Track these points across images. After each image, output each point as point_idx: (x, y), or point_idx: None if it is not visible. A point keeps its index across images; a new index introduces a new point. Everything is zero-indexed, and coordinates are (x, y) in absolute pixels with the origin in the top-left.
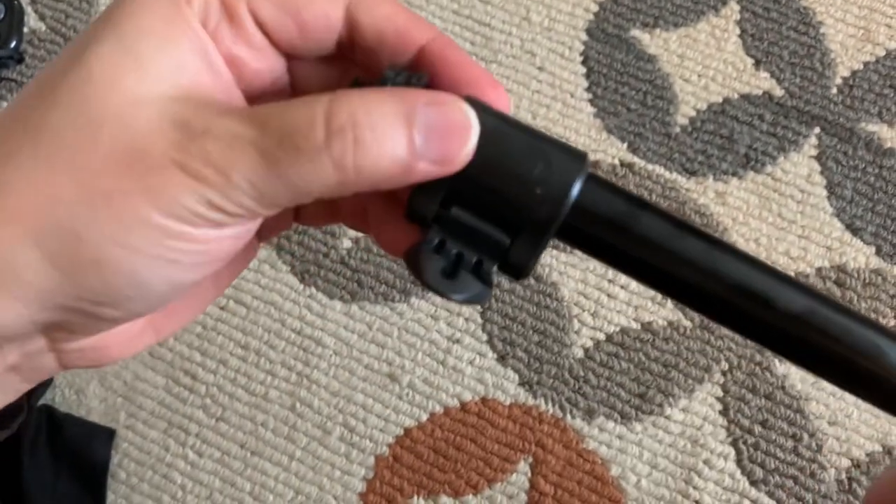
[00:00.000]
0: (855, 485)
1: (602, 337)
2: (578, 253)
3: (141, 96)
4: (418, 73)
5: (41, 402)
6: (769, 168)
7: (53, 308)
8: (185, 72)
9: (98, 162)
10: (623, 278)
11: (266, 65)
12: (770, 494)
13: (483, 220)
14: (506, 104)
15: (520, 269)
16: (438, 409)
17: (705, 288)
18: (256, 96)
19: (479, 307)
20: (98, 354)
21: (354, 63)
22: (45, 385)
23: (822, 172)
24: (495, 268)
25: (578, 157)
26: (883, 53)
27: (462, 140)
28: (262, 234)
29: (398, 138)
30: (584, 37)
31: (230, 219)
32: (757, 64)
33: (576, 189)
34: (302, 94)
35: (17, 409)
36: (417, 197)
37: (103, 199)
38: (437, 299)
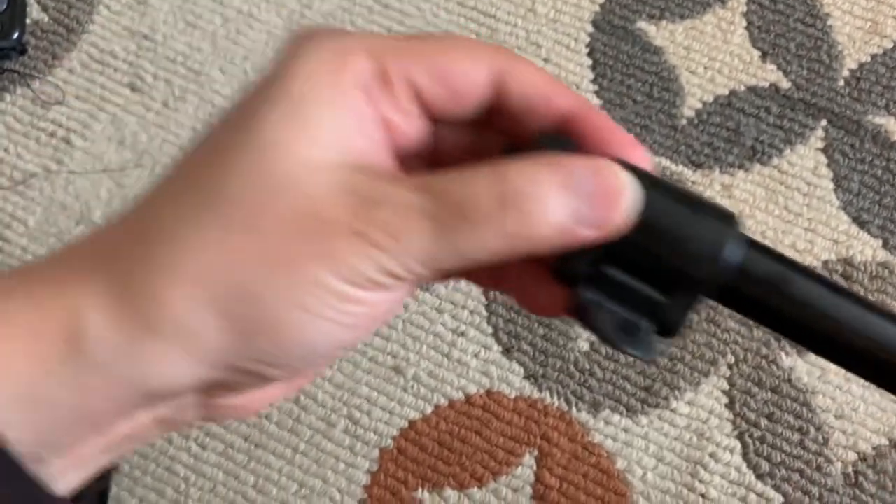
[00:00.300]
0: (861, 478)
1: None
2: None
3: (314, 162)
4: (567, 138)
5: None
6: (776, 160)
7: (223, 368)
8: (351, 138)
9: (276, 227)
10: None
11: (415, 128)
12: (776, 488)
13: (636, 279)
14: (647, 166)
15: (672, 327)
16: (443, 401)
17: (858, 348)
18: (404, 158)
19: (483, 299)
20: (243, 410)
21: (492, 127)
22: None
23: (828, 165)
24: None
25: (730, 218)
26: (891, 46)
27: (620, 204)
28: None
29: (560, 207)
30: (589, 28)
31: (398, 283)
32: (764, 56)
33: (730, 250)
34: (446, 157)
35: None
36: (570, 258)
37: (283, 263)
38: (442, 291)
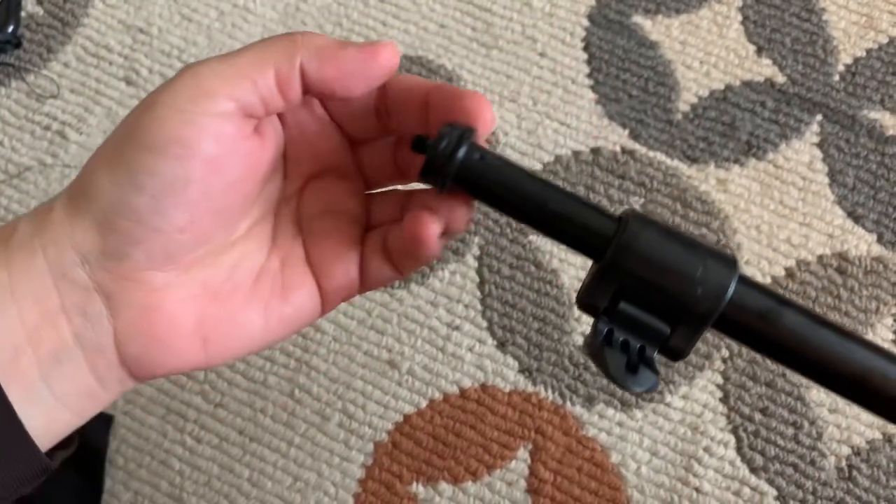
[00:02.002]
0: (855, 472)
1: None
2: None
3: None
4: (469, 126)
5: None
6: (771, 155)
7: (112, 222)
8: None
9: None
10: None
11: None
12: (770, 482)
13: (647, 313)
14: (487, 116)
15: (678, 353)
16: (438, 395)
17: (839, 372)
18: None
19: (478, 293)
20: (148, 326)
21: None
22: None
23: (823, 160)
24: (657, 353)
25: (730, 260)
26: (886, 41)
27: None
28: (327, 298)
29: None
30: (585, 23)
31: (246, 120)
32: (759, 51)
33: (731, 290)
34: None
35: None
36: (589, 291)
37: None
38: (437, 286)
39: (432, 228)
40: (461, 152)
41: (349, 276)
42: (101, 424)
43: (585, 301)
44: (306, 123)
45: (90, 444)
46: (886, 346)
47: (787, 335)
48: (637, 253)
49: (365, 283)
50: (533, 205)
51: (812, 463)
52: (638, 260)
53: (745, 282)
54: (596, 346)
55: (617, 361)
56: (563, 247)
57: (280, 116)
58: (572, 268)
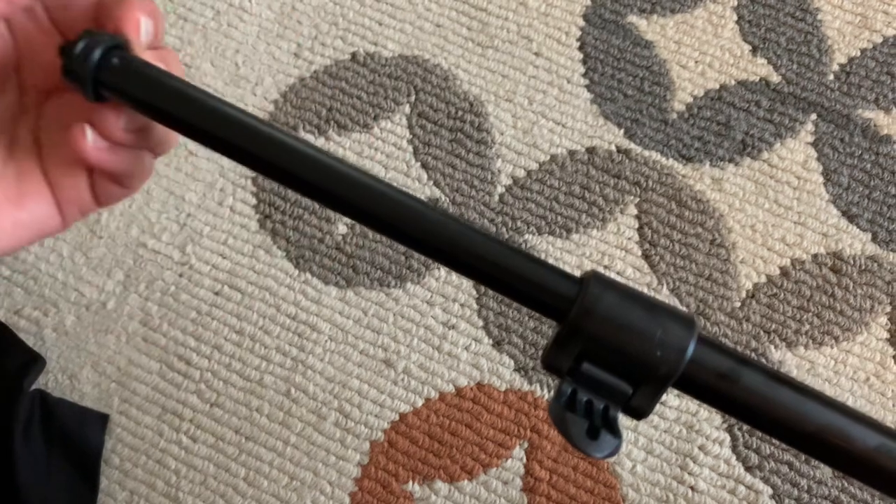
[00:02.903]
0: None
1: None
2: (575, 238)
3: None
4: (115, 34)
5: (34, 387)
6: (766, 154)
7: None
8: None
9: None
10: (619, 264)
11: None
12: (765, 480)
13: (610, 374)
14: (133, 19)
15: (641, 412)
16: (434, 394)
17: (799, 430)
18: None
19: (474, 292)
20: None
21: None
22: (39, 369)
23: (818, 159)
24: (620, 413)
25: (690, 322)
26: (880, 40)
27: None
28: (64, 210)
29: None
30: (581, 22)
31: None
32: (754, 50)
33: (690, 350)
34: None
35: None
36: (553, 353)
37: None
38: (433, 285)
39: (82, 138)
40: (94, 55)
41: (79, 189)
42: (96, 424)
43: (549, 363)
44: (34, 35)
45: (85, 443)
46: (881, 345)
47: (746, 394)
48: (599, 316)
49: (98, 199)
50: (196, 117)
51: (807, 461)
52: (600, 323)
53: (705, 342)
54: (559, 409)
55: (578, 428)
56: (558, 247)
57: (9, 28)
58: (567, 267)
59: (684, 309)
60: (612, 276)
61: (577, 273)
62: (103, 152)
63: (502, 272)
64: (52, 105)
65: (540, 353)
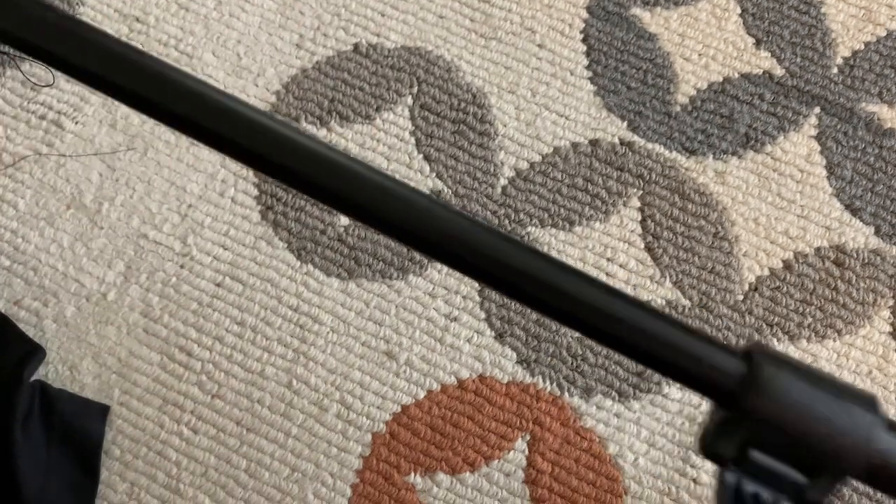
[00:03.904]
0: None
1: None
2: (578, 231)
3: None
4: None
5: (34, 377)
6: (769, 147)
7: None
8: None
9: None
10: (622, 256)
11: None
12: None
13: (783, 463)
14: None
15: None
16: (436, 386)
17: None
18: None
19: (476, 284)
20: None
21: None
22: (39, 360)
23: (821, 152)
24: None
25: (872, 403)
26: (884, 34)
27: None
28: None
29: None
30: (584, 14)
31: None
32: (757, 43)
33: (879, 439)
34: None
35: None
36: (716, 440)
37: None
38: (436, 277)
39: None
40: None
41: None
42: (96, 415)
43: (712, 451)
44: None
45: (85, 434)
46: (884, 338)
47: None
48: (774, 400)
49: None
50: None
51: None
52: (775, 408)
53: (891, 426)
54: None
55: None
56: (561, 239)
57: None
58: (570, 259)
59: (861, 387)
60: (615, 269)
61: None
62: None
63: (653, 346)
64: None
65: (542, 345)
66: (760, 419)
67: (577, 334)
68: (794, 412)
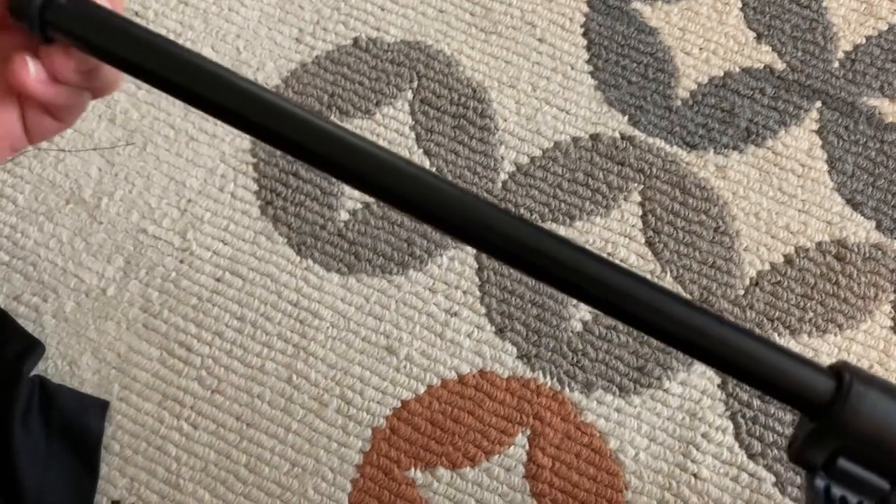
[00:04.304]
0: None
1: None
2: (578, 226)
3: None
4: None
5: (33, 373)
6: (770, 142)
7: None
8: None
9: None
10: (623, 251)
11: None
12: (768, 468)
13: (869, 471)
14: None
15: None
16: (436, 381)
17: None
18: None
19: (476, 280)
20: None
21: None
22: (38, 356)
23: (822, 147)
24: None
25: None
26: (885, 28)
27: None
28: None
29: None
30: (585, 8)
31: None
32: (758, 37)
33: None
34: None
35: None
36: (807, 449)
37: None
38: (436, 272)
39: (25, 72)
40: None
41: (9, 124)
42: (96, 410)
43: (802, 458)
44: None
45: (85, 429)
46: (885, 332)
47: None
48: (865, 417)
49: (30, 134)
50: (176, 73)
51: None
52: (865, 422)
53: None
54: None
55: None
56: (562, 233)
57: None
58: None
59: None
60: (616, 263)
61: None
62: (45, 85)
63: (751, 364)
64: None
65: (543, 340)
66: (851, 433)
67: (577, 329)
68: (881, 426)
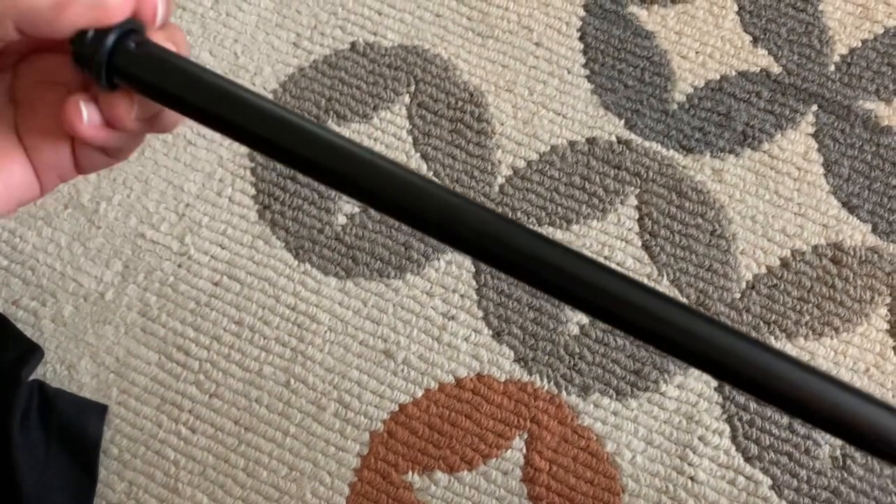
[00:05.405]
0: (849, 461)
1: None
2: (575, 229)
3: None
4: (130, 19)
5: (32, 377)
6: (766, 145)
7: None
8: None
9: None
10: (619, 255)
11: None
12: (765, 471)
13: None
14: (152, 5)
15: None
16: (433, 385)
17: None
18: None
19: (474, 283)
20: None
21: None
22: (37, 360)
23: (819, 150)
24: None
25: None
26: (881, 31)
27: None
28: (42, 176)
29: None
30: (581, 12)
31: None
32: (755, 41)
33: None
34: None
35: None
36: None
37: None
38: (433, 276)
39: (80, 117)
40: (108, 41)
41: (60, 155)
42: (95, 414)
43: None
44: None
45: (84, 433)
46: (881, 336)
47: None
48: None
49: (80, 167)
50: (237, 114)
51: (807, 452)
52: None
53: None
54: None
55: None
56: (558, 238)
57: None
58: None
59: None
60: (613, 267)
61: None
62: (100, 131)
63: (837, 413)
64: (30, 62)
65: (540, 343)
66: None
67: (574, 332)
68: None
